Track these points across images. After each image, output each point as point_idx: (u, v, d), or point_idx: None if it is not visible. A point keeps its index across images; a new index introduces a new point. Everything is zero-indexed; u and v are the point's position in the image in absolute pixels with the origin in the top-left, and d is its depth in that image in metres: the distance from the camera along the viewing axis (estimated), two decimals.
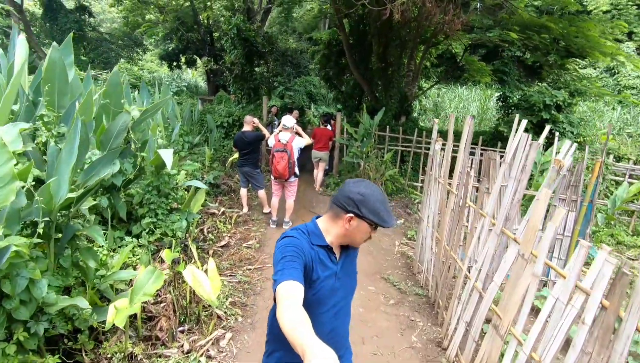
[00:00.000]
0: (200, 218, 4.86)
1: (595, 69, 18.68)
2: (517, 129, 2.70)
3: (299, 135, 5.27)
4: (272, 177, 5.13)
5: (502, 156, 4.06)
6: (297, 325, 0.95)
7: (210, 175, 6.10)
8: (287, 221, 5.40)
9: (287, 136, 4.99)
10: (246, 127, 5.48)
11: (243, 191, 5.75)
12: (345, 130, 8.18)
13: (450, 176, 3.63)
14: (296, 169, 5.11)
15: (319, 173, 7.74)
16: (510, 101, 8.11)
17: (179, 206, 3.88)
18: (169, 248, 3.68)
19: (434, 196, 3.95)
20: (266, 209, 5.79)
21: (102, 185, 3.20)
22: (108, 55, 19.53)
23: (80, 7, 18.90)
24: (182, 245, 3.92)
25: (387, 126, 8.08)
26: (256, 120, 5.56)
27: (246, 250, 4.42)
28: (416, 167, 8.25)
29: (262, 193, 5.72)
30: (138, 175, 3.54)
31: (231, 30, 9.33)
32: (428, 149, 7.82)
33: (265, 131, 5.55)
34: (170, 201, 3.72)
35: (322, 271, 1.31)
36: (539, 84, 9.29)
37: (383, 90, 8.76)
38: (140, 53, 23.97)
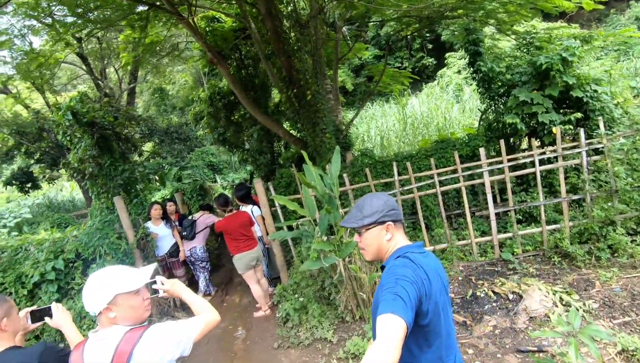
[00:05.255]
0: None
1: None
2: None
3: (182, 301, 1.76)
4: None
5: None
6: None
7: None
8: None
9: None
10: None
11: None
12: (274, 209, 4.78)
13: None
14: None
15: (254, 286, 4.39)
16: (495, 78, 5.19)
17: None
18: None
19: None
20: None
21: None
22: None
23: None
24: None
25: (341, 176, 4.94)
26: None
27: None
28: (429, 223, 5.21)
29: None
30: None
31: (64, 118, 5.44)
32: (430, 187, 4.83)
33: None
34: None
35: None
36: None
37: (309, 123, 5.74)
38: None
